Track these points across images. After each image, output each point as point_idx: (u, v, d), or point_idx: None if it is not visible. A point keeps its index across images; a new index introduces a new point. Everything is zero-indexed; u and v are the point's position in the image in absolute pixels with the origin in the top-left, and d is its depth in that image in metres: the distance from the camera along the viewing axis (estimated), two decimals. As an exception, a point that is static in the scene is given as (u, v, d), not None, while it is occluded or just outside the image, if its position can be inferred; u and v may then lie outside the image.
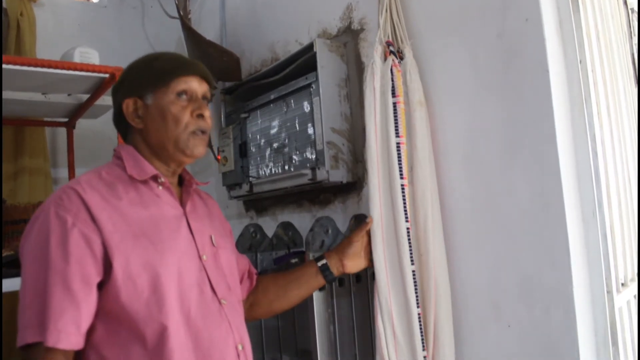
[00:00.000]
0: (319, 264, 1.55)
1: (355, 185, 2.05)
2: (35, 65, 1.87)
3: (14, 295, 2.24)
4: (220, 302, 1.27)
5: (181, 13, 2.50)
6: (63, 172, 2.74)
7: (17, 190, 2.60)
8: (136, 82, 1.31)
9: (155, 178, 1.30)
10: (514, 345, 1.50)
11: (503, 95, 1.52)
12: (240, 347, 1.28)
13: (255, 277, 1.59)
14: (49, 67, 1.89)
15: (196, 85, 1.31)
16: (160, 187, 1.30)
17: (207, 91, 1.36)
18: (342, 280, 1.78)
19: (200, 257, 1.29)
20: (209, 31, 2.59)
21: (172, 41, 3.19)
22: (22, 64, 1.84)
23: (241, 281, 1.52)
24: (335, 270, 1.56)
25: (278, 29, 2.48)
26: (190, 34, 2.45)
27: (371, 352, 1.79)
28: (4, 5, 2.55)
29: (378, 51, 1.70)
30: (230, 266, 1.40)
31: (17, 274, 1.66)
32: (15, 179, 2.62)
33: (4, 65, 1.79)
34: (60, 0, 2.92)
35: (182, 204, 1.33)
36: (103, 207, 1.18)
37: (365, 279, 1.84)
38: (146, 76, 1.30)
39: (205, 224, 1.37)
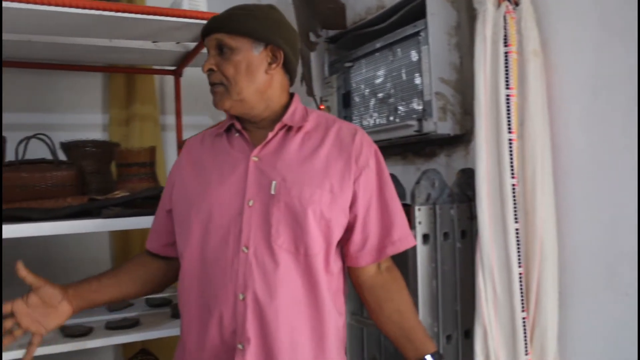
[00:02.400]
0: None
1: (463, 138, 1.98)
2: (147, 13, 1.92)
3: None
4: (240, 249, 1.25)
5: (286, -41, 2.47)
6: (170, 119, 2.84)
7: (130, 136, 2.73)
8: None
9: (230, 128, 1.40)
10: (630, 316, 1.41)
11: (632, 42, 1.39)
12: (241, 297, 1.23)
13: (370, 256, 1.36)
14: (160, 14, 1.93)
15: (209, 43, 1.33)
16: (237, 134, 1.38)
17: (216, 41, 1.31)
18: (447, 234, 1.75)
19: (245, 201, 1.27)
20: (312, -22, 2.55)
21: (276, -11, 3.17)
22: (133, 12, 1.89)
23: (345, 245, 1.35)
24: None
25: (385, -26, 2.40)
26: (295, -21, 2.42)
27: (473, 309, 1.76)
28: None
29: (491, -3, 1.61)
30: (294, 218, 1.25)
31: (132, 214, 1.76)
32: (127, 124, 2.75)
33: (119, 14, 1.85)
34: (169, -52, 2.97)
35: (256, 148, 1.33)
36: (190, 152, 1.44)
37: (470, 234, 1.80)
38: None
39: (278, 168, 1.28)
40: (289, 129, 1.34)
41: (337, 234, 1.30)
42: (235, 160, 1.33)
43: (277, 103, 1.35)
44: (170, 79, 2.82)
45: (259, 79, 1.31)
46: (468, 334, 1.77)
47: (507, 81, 1.57)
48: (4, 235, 1.59)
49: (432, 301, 1.73)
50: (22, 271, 1.29)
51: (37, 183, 1.89)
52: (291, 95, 1.41)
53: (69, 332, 1.76)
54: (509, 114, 1.57)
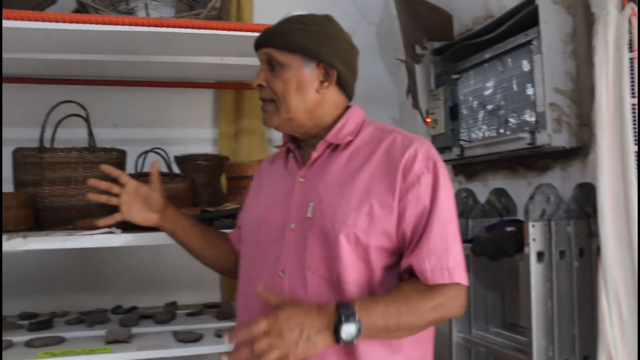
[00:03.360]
0: None
1: (580, 150, 1.87)
2: (257, 31, 1.97)
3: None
4: (277, 274, 1.22)
5: (391, -28, 2.47)
6: (277, 133, 2.90)
7: (238, 149, 2.82)
8: None
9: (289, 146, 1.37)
10: None
11: None
12: None
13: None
14: (269, 32, 1.98)
15: (260, 57, 1.30)
16: (291, 154, 1.35)
17: (266, 56, 1.27)
18: (563, 252, 1.65)
19: (287, 224, 1.24)
20: (417, -10, 2.52)
21: (378, 3, 3.17)
22: (244, 30, 1.95)
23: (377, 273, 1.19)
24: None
25: (492, -17, 2.34)
26: (400, -7, 2.42)
27: (593, 333, 1.65)
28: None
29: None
30: (327, 243, 1.17)
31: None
32: (236, 138, 2.85)
33: (228, 32, 1.92)
34: (274, -31, 3.05)
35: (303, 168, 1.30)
36: (260, 172, 1.48)
37: (589, 252, 1.69)
38: None
39: (319, 190, 1.22)
40: (336, 146, 1.26)
41: (381, 259, 1.18)
42: (286, 181, 1.31)
43: (327, 120, 1.28)
44: (276, 94, 2.89)
45: (310, 97, 1.24)
46: (587, 360, 1.66)
47: (632, 89, 1.48)
48: (125, 244, 1.69)
49: (546, 323, 1.64)
50: (155, 169, 1.51)
51: (154, 195, 1.99)
52: (348, 109, 1.32)
53: (181, 338, 1.83)
54: (635, 124, 1.47)
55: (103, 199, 1.46)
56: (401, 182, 1.16)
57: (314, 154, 1.26)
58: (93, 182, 1.47)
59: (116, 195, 1.46)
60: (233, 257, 1.49)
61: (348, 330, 1.04)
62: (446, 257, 1.14)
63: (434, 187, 1.16)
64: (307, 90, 1.24)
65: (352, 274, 1.16)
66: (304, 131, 1.29)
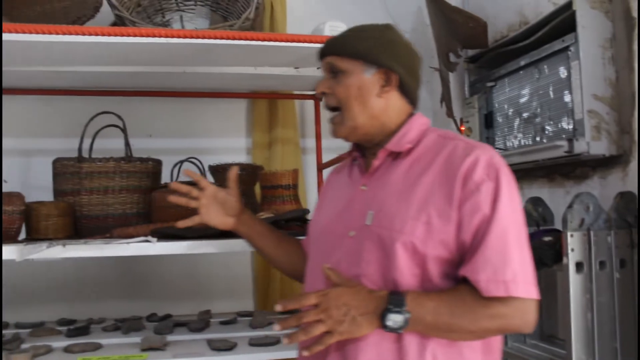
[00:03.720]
0: None
1: (620, 159, 1.83)
2: (290, 41, 1.99)
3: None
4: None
5: (424, -20, 2.46)
6: (310, 142, 2.91)
7: (272, 159, 2.84)
8: None
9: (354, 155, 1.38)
10: None
11: None
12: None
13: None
14: (302, 42, 1.99)
15: (323, 66, 1.32)
16: (355, 162, 1.37)
17: (329, 64, 1.30)
18: (604, 263, 1.61)
19: (347, 232, 1.24)
20: (449, -3, 2.51)
21: (411, 12, 3.16)
22: (278, 40, 1.97)
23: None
24: None
25: (527, -11, 2.31)
26: (433, 1, 2.40)
27: (636, 347, 1.60)
28: (261, -11, 2.75)
29: (656, 4, 1.48)
30: (383, 251, 1.16)
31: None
32: (269, 148, 2.86)
33: (262, 43, 1.93)
34: (306, -20, 3.07)
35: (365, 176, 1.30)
36: (329, 179, 1.50)
37: (631, 264, 1.64)
38: None
39: (379, 198, 1.22)
40: (397, 154, 1.25)
41: (439, 269, 1.14)
42: (349, 189, 1.32)
43: (391, 127, 1.28)
44: (310, 103, 2.90)
45: (372, 103, 1.25)
46: (630, 375, 1.61)
47: (674, 95, 1.43)
48: (161, 252, 1.71)
49: (586, 336, 1.60)
50: (233, 173, 1.55)
51: (189, 204, 2.01)
52: (411, 115, 1.32)
53: (215, 346, 1.84)
54: (677, 131, 1.43)
55: (182, 201, 1.51)
56: (460, 190, 1.13)
57: (375, 162, 1.27)
58: (175, 185, 1.54)
59: (195, 198, 1.50)
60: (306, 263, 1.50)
61: (395, 318, 1.05)
62: (503, 268, 1.08)
63: (495, 195, 1.12)
64: (369, 95, 1.25)
65: (409, 283, 1.14)
66: (369, 138, 1.30)
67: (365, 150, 1.35)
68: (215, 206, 1.50)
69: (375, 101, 1.25)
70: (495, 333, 1.16)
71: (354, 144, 1.36)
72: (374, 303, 1.08)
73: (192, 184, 2.14)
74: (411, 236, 1.13)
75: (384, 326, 1.06)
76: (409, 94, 1.29)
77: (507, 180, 1.14)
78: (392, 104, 1.27)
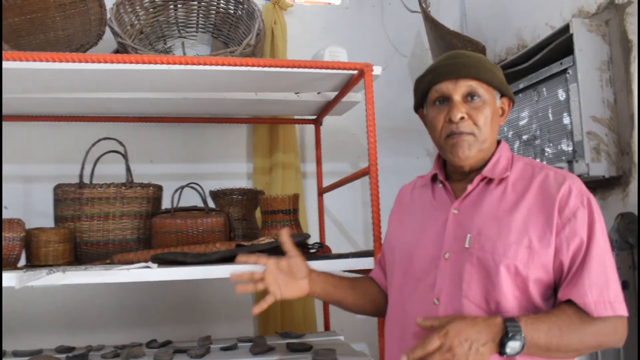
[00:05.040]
0: None
1: (620, 180, 1.83)
2: (291, 67, 2.01)
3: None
4: (432, 301, 1.25)
5: (423, 6, 2.49)
6: (311, 167, 2.93)
7: (272, 183, 2.84)
8: (416, 95, 1.41)
9: (434, 178, 1.41)
10: None
11: None
12: None
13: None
14: (303, 67, 2.01)
15: (449, 88, 1.29)
16: (440, 185, 1.38)
17: (468, 88, 1.28)
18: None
19: (441, 253, 1.27)
20: (447, 22, 2.54)
21: (411, 37, 3.21)
22: (279, 66, 1.99)
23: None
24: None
25: (524, 13, 2.34)
26: (433, 26, 2.43)
27: (641, 369, 1.59)
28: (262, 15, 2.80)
29: (651, 27, 1.49)
30: (486, 273, 1.20)
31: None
32: (270, 173, 2.87)
33: (262, 68, 1.95)
34: (307, 6, 3.12)
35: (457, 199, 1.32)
36: (402, 200, 1.52)
37: (634, 285, 1.63)
38: (418, 90, 1.39)
39: (476, 222, 1.25)
40: (489, 180, 1.30)
41: (538, 291, 1.20)
42: (437, 212, 1.34)
43: (489, 154, 1.32)
44: (310, 128, 2.91)
45: (495, 130, 1.31)
46: (636, 398, 1.59)
47: (672, 117, 1.44)
48: (161, 278, 1.70)
49: (590, 358, 1.58)
50: (285, 236, 1.43)
51: (189, 229, 2.02)
52: (498, 143, 1.36)
53: (216, 374, 1.82)
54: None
55: (250, 288, 1.41)
56: (558, 217, 1.19)
57: (470, 187, 1.30)
58: (236, 276, 1.43)
59: (261, 279, 1.41)
60: (384, 296, 1.50)
61: (513, 345, 1.08)
62: (607, 289, 1.15)
63: (590, 221, 1.19)
64: (496, 123, 1.31)
65: (511, 304, 1.19)
66: (482, 163, 1.32)
67: (452, 174, 1.38)
68: (283, 277, 1.42)
69: (496, 128, 1.32)
70: (596, 349, 1.23)
71: (439, 166, 1.39)
72: (493, 332, 1.10)
73: (193, 209, 2.14)
74: (514, 260, 1.18)
75: (501, 353, 1.10)
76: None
77: (597, 208, 1.22)
78: (497, 130, 1.33)
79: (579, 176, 1.82)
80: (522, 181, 1.27)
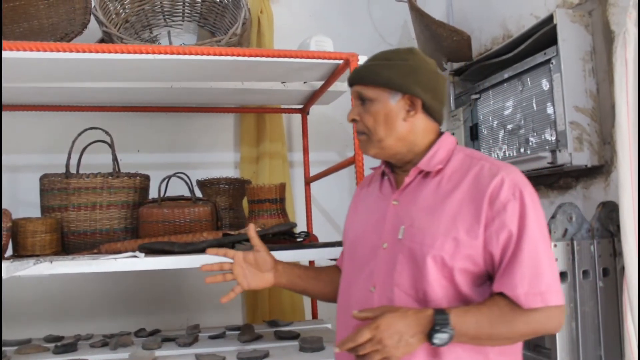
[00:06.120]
0: None
1: (602, 169, 1.86)
2: (277, 56, 2.01)
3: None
4: (369, 289, 1.30)
5: (409, -5, 2.49)
6: (298, 156, 2.93)
7: (259, 173, 2.85)
8: None
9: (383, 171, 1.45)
10: None
11: None
12: None
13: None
14: (289, 57, 2.01)
15: (352, 94, 1.38)
16: (386, 177, 1.42)
17: (357, 93, 1.36)
18: (587, 272, 1.63)
19: (380, 243, 1.32)
20: (433, 12, 2.54)
21: (398, 26, 3.21)
22: (265, 56, 1.99)
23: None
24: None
25: (510, 3, 2.35)
26: (419, 16, 2.43)
27: (620, 355, 1.62)
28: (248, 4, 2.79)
29: (632, 17, 1.52)
30: (415, 263, 1.24)
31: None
32: (257, 162, 2.87)
33: (248, 58, 1.95)
34: (294, -5, 3.11)
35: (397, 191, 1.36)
36: (361, 189, 1.55)
37: (614, 273, 1.67)
38: None
39: (411, 213, 1.29)
40: (427, 172, 1.32)
41: (465, 280, 1.23)
42: (381, 202, 1.39)
43: (420, 146, 1.34)
44: (297, 117, 2.92)
45: (398, 127, 1.32)
46: (614, 382, 1.62)
47: (652, 106, 1.46)
48: (149, 267, 1.71)
49: (571, 345, 1.61)
50: (252, 231, 1.49)
51: (177, 219, 2.02)
52: (439, 136, 1.38)
53: (204, 362, 1.84)
54: (656, 141, 1.45)
55: (219, 279, 1.48)
56: (487, 210, 1.20)
57: (407, 179, 1.33)
58: (206, 267, 1.50)
59: (229, 271, 1.49)
60: None
61: (441, 337, 1.13)
62: (538, 281, 1.16)
63: (521, 213, 1.19)
64: (395, 121, 1.32)
65: (438, 293, 1.22)
66: (399, 157, 1.36)
67: (396, 167, 1.41)
68: (250, 269, 1.49)
69: (402, 125, 1.32)
70: (531, 336, 1.23)
71: (384, 160, 1.42)
72: (422, 324, 1.15)
73: (180, 199, 2.15)
74: (440, 251, 1.21)
75: (431, 343, 1.14)
76: (435, 114, 1.36)
77: (531, 199, 1.21)
78: (418, 125, 1.33)
79: (562, 166, 1.85)
80: (459, 173, 1.29)
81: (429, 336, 1.14)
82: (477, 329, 1.16)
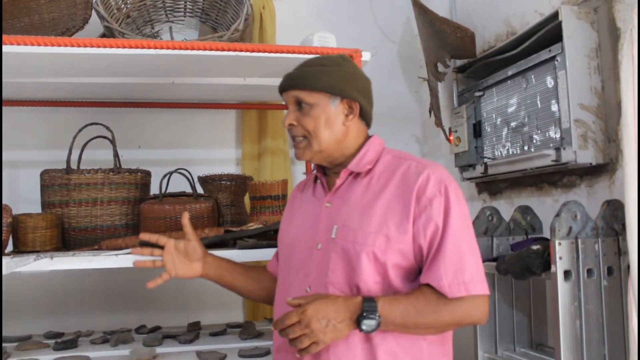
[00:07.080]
0: None
1: (607, 167, 1.84)
2: (279, 52, 1.99)
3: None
4: (305, 289, 1.34)
5: (413, -8, 2.48)
6: (300, 153, 2.92)
7: (261, 169, 2.84)
8: None
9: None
10: None
11: None
12: None
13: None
14: (292, 52, 2.00)
15: (285, 98, 1.40)
16: (318, 181, 1.47)
17: (294, 98, 1.37)
18: (591, 271, 1.62)
19: (315, 245, 1.36)
20: (437, 8, 2.53)
21: (401, 23, 3.19)
22: (267, 51, 1.97)
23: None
24: None
25: (514, 0, 2.33)
26: (422, 12, 2.42)
27: (624, 354, 1.61)
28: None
29: (639, 14, 1.50)
30: (348, 261, 1.29)
31: (265, 246, 1.82)
32: (259, 159, 2.86)
33: (251, 54, 1.94)
34: (296, -9, 3.09)
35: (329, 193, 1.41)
36: (294, 195, 1.58)
37: (619, 271, 1.65)
38: None
39: (343, 213, 1.34)
40: (357, 174, 1.38)
41: (398, 275, 1.29)
42: (314, 206, 1.44)
43: (351, 149, 1.40)
44: (298, 114, 2.90)
45: (337, 130, 1.37)
46: (618, 382, 1.61)
47: (658, 104, 1.44)
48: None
49: (575, 344, 1.60)
50: (185, 219, 1.53)
51: (178, 215, 2.01)
52: (368, 139, 1.43)
53: (204, 358, 1.83)
54: (662, 139, 1.44)
55: (149, 264, 1.55)
56: (415, 205, 1.28)
57: (338, 181, 1.39)
58: (136, 251, 1.59)
59: (159, 257, 1.55)
60: (275, 285, 1.56)
61: (369, 323, 1.19)
62: (462, 272, 1.24)
63: (446, 208, 1.27)
64: (335, 124, 1.37)
65: (371, 289, 1.28)
66: (331, 160, 1.41)
67: (327, 170, 1.46)
68: (179, 258, 1.54)
69: (340, 128, 1.37)
70: (456, 326, 1.29)
71: (316, 164, 1.46)
72: (350, 310, 1.21)
73: (182, 195, 2.14)
74: (373, 247, 1.27)
75: (359, 329, 1.20)
76: (367, 118, 1.43)
77: (456, 195, 1.29)
78: (353, 129, 1.39)
79: (566, 164, 1.84)
80: (387, 173, 1.35)
81: (357, 322, 1.19)
82: (404, 317, 1.22)
